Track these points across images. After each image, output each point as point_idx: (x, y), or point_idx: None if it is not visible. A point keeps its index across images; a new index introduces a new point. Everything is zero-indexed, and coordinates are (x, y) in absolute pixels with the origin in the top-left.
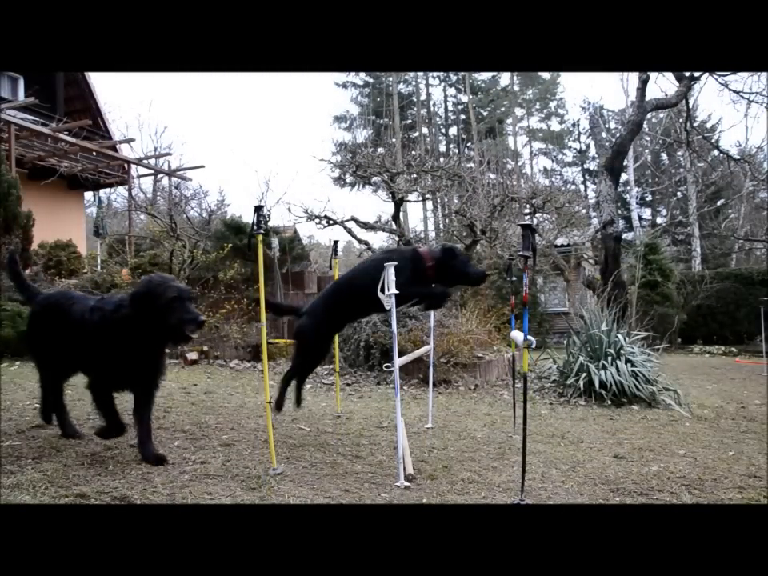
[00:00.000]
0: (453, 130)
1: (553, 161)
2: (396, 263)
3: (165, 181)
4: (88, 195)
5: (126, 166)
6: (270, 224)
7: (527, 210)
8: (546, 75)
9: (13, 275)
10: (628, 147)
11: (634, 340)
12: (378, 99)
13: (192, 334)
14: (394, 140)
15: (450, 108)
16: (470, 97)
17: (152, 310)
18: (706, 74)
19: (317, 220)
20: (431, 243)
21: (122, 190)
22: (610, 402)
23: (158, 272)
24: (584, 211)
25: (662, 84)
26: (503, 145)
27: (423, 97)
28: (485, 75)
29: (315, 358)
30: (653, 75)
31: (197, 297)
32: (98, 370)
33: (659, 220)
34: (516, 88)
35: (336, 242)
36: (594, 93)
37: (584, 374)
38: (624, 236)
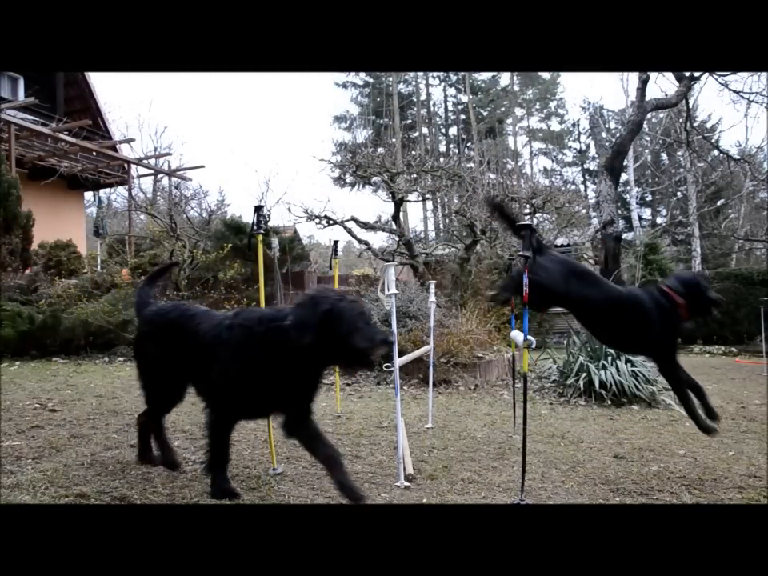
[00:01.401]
0: (453, 130)
1: (553, 161)
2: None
3: (165, 181)
4: (88, 195)
5: (126, 165)
6: (270, 224)
7: (527, 210)
8: (546, 75)
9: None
10: (628, 147)
11: None
12: (378, 99)
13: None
14: (393, 140)
15: (450, 108)
16: (470, 97)
17: (335, 332)
18: (706, 74)
19: (317, 220)
20: (432, 243)
21: (122, 190)
22: (609, 402)
23: (320, 285)
24: (584, 211)
25: (662, 84)
26: (503, 145)
27: (423, 97)
28: (485, 75)
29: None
30: (653, 75)
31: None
32: (255, 399)
33: (659, 220)
34: (516, 88)
35: (336, 242)
36: (593, 93)
37: (584, 374)
38: (624, 236)
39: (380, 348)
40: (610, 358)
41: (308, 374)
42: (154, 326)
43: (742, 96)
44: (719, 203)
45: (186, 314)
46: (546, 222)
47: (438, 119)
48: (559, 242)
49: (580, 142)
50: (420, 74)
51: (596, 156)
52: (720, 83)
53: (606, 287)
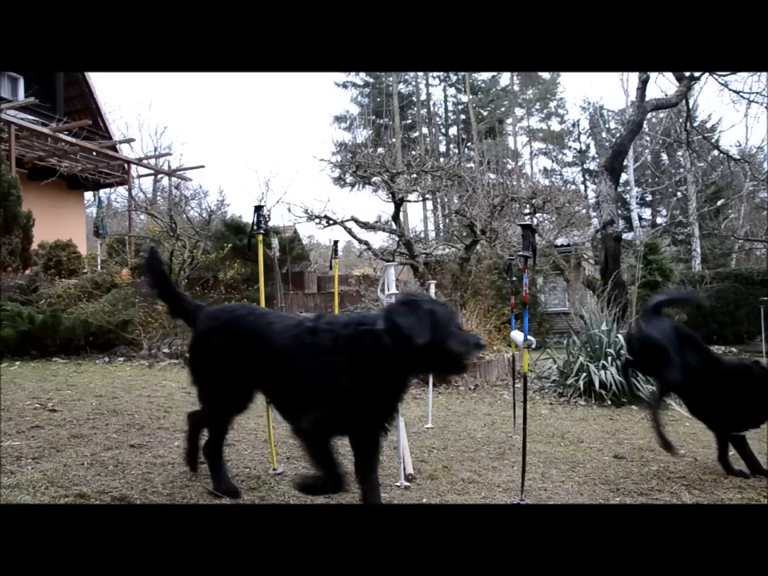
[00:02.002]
0: (453, 130)
1: (553, 161)
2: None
3: (165, 181)
4: (88, 195)
5: (126, 166)
6: (270, 224)
7: (527, 210)
8: (546, 75)
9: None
10: (628, 147)
11: None
12: (378, 99)
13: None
14: (393, 140)
15: (450, 108)
16: (470, 97)
17: (434, 336)
18: (706, 74)
19: (317, 220)
20: (432, 243)
21: (122, 190)
22: (609, 402)
23: (405, 290)
24: (584, 211)
25: (662, 84)
26: (503, 145)
27: (423, 97)
28: (485, 75)
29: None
30: (653, 75)
31: None
32: (339, 411)
33: (659, 220)
34: (516, 88)
35: (336, 242)
36: (593, 93)
37: (584, 374)
38: (624, 236)
39: (475, 352)
40: (609, 358)
41: (397, 382)
42: (220, 322)
43: (742, 96)
44: (719, 203)
45: (255, 312)
46: (546, 221)
47: (438, 119)
48: (559, 241)
49: (580, 142)
50: (420, 73)
51: (596, 156)
52: (720, 83)
53: (712, 356)
